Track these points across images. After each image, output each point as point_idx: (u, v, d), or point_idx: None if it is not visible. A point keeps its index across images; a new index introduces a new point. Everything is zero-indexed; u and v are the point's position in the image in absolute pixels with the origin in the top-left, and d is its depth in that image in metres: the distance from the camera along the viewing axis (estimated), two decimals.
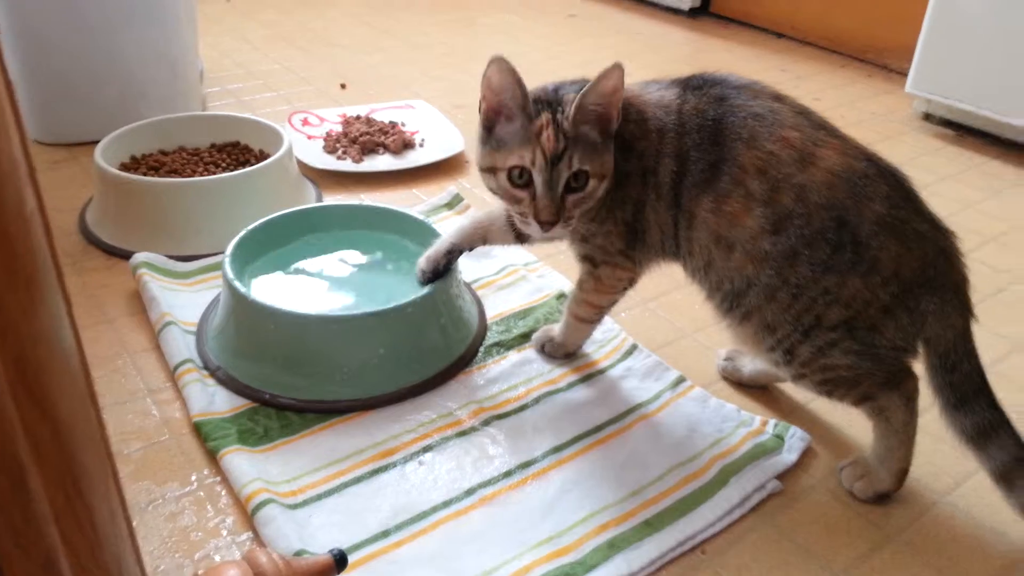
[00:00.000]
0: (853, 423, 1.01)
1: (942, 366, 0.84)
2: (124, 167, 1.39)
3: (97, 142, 1.36)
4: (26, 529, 0.35)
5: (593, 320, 1.06)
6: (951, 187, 1.62)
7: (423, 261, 1.07)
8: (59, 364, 0.37)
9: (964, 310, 0.84)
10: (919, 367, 0.87)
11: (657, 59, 2.26)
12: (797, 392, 1.06)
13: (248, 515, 0.84)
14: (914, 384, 0.87)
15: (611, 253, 0.96)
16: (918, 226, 0.82)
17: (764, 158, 0.83)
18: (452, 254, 1.06)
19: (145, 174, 1.37)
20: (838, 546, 0.86)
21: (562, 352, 1.09)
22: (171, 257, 1.23)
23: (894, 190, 0.82)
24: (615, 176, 0.90)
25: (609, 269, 0.98)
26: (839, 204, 0.81)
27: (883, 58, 2.26)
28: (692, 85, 0.90)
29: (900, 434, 0.88)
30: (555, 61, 2.23)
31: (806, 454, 0.96)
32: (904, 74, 1.92)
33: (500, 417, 0.99)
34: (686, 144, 0.87)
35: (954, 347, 0.83)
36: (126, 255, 1.23)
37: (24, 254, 0.33)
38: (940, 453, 0.97)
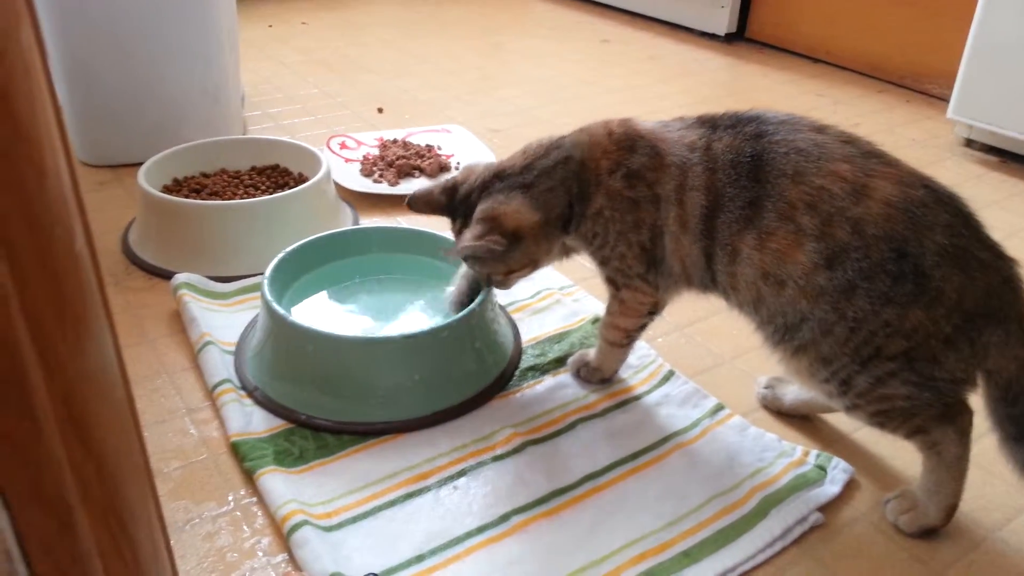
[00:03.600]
0: (898, 454, 0.99)
1: (1003, 398, 0.81)
2: (166, 189, 1.41)
3: (141, 164, 1.39)
4: (72, 568, 0.35)
5: (623, 344, 1.05)
6: (995, 214, 1.58)
7: (452, 309, 1.08)
8: (106, 400, 0.37)
9: None
10: (975, 400, 0.85)
11: (693, 84, 2.25)
12: (840, 422, 1.04)
13: (284, 536, 0.84)
14: (969, 419, 0.85)
15: (630, 276, 0.97)
16: (980, 255, 0.80)
17: (813, 193, 0.81)
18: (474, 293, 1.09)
19: (187, 196, 1.39)
20: None
21: (597, 377, 1.08)
22: (211, 278, 1.25)
23: (955, 217, 0.80)
24: (621, 203, 0.92)
25: (630, 292, 0.98)
26: (899, 236, 0.79)
27: (923, 83, 2.24)
28: (724, 124, 0.90)
29: (952, 469, 0.86)
30: (588, 86, 2.23)
31: (849, 486, 0.94)
32: (945, 99, 1.90)
33: (535, 442, 0.98)
34: (720, 180, 0.87)
35: (1016, 379, 0.80)
36: (167, 275, 1.25)
37: (73, 292, 0.33)
38: (991, 487, 0.94)
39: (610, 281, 1.00)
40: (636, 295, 0.98)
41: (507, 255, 0.96)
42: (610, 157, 0.93)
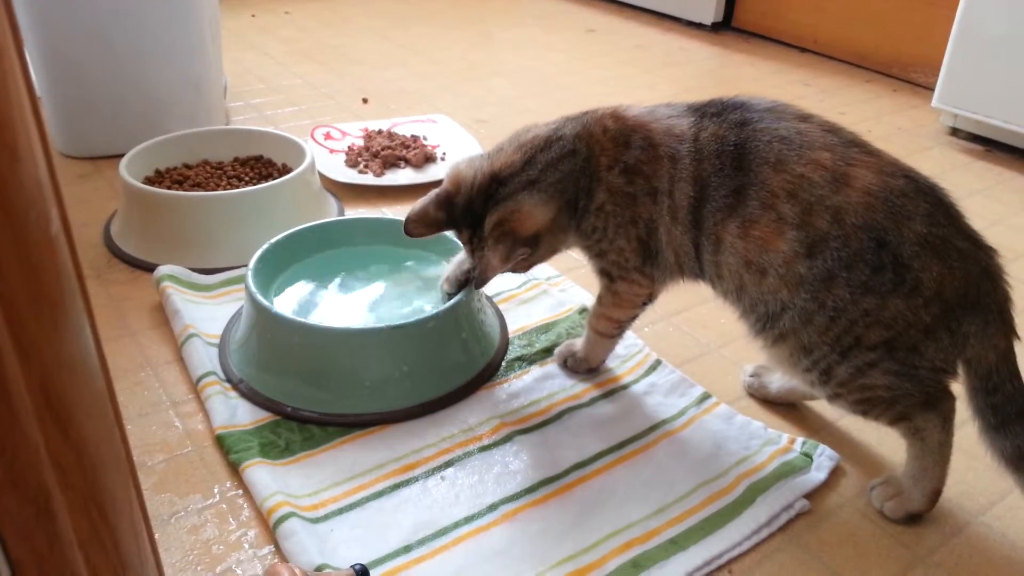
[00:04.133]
0: (883, 441, 0.99)
1: (983, 388, 0.82)
2: (148, 180, 1.40)
3: (122, 156, 1.37)
4: (50, 555, 0.34)
5: (613, 335, 1.05)
6: (980, 202, 1.59)
7: (445, 284, 1.07)
8: (84, 387, 0.36)
9: (1007, 331, 0.81)
10: (957, 387, 0.85)
11: (679, 74, 2.25)
12: (825, 409, 1.04)
13: (270, 529, 0.83)
14: (951, 404, 0.85)
15: (627, 269, 0.96)
16: (960, 244, 0.80)
17: (794, 181, 0.81)
18: (472, 271, 1.06)
19: (169, 187, 1.38)
20: (868, 567, 0.84)
21: (584, 367, 1.08)
22: (194, 270, 1.23)
23: (935, 207, 0.80)
24: (622, 198, 0.91)
25: (626, 284, 0.98)
26: (878, 225, 0.79)
27: (908, 72, 2.25)
28: (710, 112, 0.90)
29: (935, 454, 0.86)
30: (574, 76, 2.23)
31: (835, 473, 0.94)
32: (930, 88, 1.91)
33: (522, 432, 0.98)
34: (705, 170, 0.86)
35: (996, 369, 0.81)
36: (150, 268, 1.24)
37: (49, 277, 0.33)
38: (974, 472, 0.95)
39: (604, 273, 0.99)
40: (632, 287, 0.98)
41: (532, 256, 0.96)
42: (608, 154, 0.92)
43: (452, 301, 1.04)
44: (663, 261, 0.94)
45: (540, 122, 0.99)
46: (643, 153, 0.90)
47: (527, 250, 0.94)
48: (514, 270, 1.01)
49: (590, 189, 0.93)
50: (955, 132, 1.90)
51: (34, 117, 0.32)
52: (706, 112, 0.90)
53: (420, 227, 0.99)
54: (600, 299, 1.02)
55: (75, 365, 0.34)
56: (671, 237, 0.91)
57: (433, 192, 0.98)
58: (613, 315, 1.02)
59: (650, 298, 1.00)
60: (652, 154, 0.90)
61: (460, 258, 1.07)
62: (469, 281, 1.06)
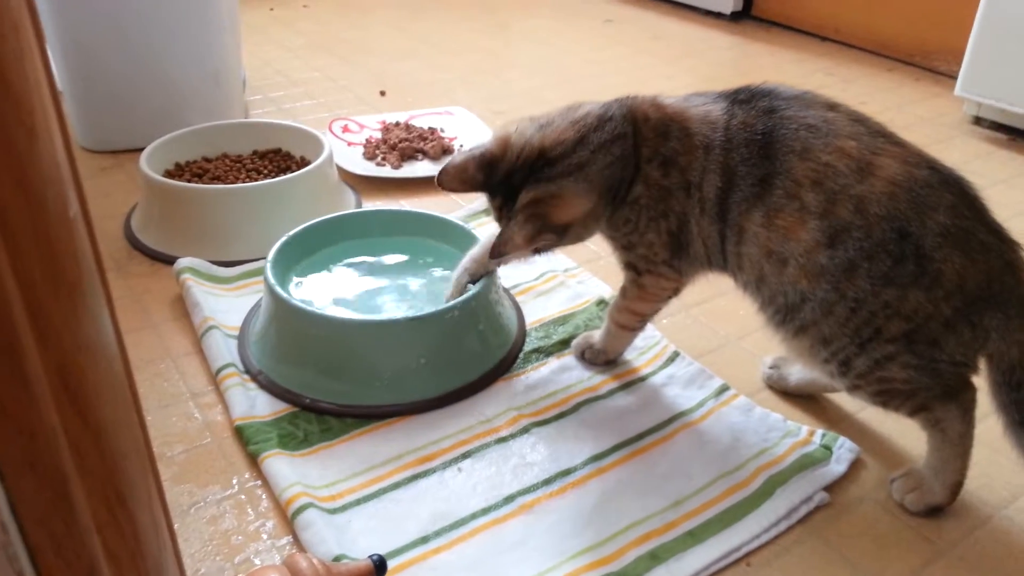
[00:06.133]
0: (904, 433, 0.98)
1: (1006, 383, 0.80)
2: (168, 174, 1.41)
3: (142, 149, 1.38)
4: (68, 540, 0.35)
5: (635, 328, 1.05)
6: (1003, 192, 1.57)
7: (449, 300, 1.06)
8: (102, 371, 0.36)
9: None
10: (981, 381, 0.84)
11: (699, 64, 2.23)
12: (845, 401, 1.03)
13: (288, 519, 0.84)
14: (972, 395, 0.84)
15: (655, 263, 0.95)
16: (984, 238, 0.78)
17: (819, 170, 0.80)
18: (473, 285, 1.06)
19: (189, 181, 1.39)
20: (888, 560, 0.83)
21: (602, 359, 1.08)
22: (214, 262, 1.24)
23: (959, 199, 0.79)
24: (657, 191, 0.89)
25: (653, 278, 0.97)
26: (901, 215, 0.78)
27: (931, 61, 2.21)
28: (739, 99, 0.88)
29: (956, 446, 0.85)
30: (592, 67, 2.22)
31: (855, 465, 0.93)
32: (953, 77, 1.88)
33: (540, 424, 0.98)
34: (733, 159, 0.85)
35: (1019, 364, 0.79)
36: (170, 260, 1.25)
37: (67, 259, 0.33)
38: (996, 465, 0.94)
39: (630, 266, 0.98)
40: (659, 280, 0.97)
41: (556, 243, 0.94)
42: (649, 144, 0.90)
43: (470, 292, 1.04)
44: (693, 253, 0.92)
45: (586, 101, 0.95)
46: (679, 144, 0.89)
47: (553, 237, 0.92)
48: (535, 251, 0.98)
49: (631, 179, 0.91)
50: (978, 121, 1.87)
51: (52, 96, 0.32)
52: (736, 99, 0.89)
53: (455, 182, 0.95)
54: (624, 292, 1.01)
55: (93, 348, 0.34)
56: (700, 229, 0.90)
57: (477, 149, 0.94)
58: (637, 308, 1.01)
59: (676, 292, 0.99)
60: (688, 144, 0.88)
61: (459, 272, 1.07)
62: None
